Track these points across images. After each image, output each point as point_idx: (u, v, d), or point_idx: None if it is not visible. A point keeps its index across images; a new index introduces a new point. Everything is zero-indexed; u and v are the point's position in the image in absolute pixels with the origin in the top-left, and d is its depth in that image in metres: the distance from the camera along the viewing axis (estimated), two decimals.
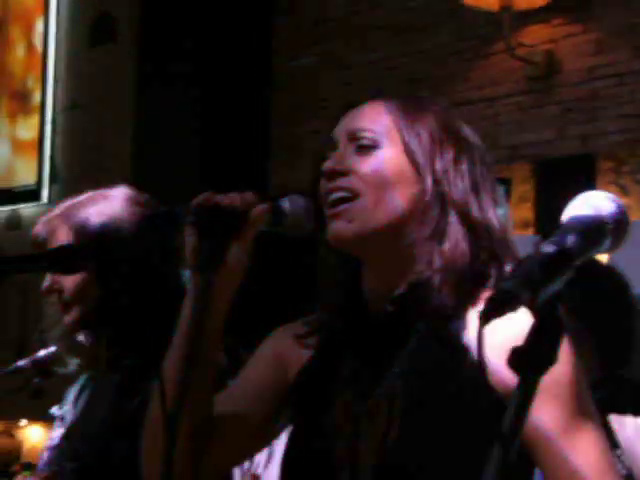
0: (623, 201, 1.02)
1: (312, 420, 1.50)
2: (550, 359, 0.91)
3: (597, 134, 3.85)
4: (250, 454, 1.69)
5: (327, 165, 1.47)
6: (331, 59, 4.63)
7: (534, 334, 0.93)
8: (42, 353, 2.24)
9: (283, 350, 1.57)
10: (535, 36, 4.01)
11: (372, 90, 1.56)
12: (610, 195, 1.03)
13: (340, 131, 1.51)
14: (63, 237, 2.11)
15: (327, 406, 1.48)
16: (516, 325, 1.12)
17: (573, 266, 0.95)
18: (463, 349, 1.41)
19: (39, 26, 5.29)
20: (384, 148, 1.47)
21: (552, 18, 3.98)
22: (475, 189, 1.48)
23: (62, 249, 2.06)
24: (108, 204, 2.17)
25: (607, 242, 1.01)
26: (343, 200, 1.46)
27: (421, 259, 1.44)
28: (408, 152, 1.47)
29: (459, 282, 1.43)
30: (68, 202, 2.17)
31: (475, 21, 4.13)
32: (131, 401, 2.05)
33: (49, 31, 5.22)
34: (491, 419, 1.35)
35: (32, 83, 5.30)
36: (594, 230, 1.00)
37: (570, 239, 0.96)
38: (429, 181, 1.45)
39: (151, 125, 4.72)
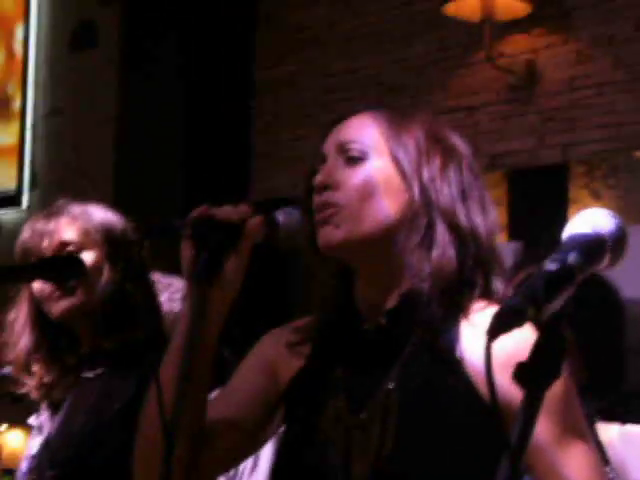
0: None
1: (304, 430, 1.51)
2: (555, 373, 0.93)
3: (577, 143, 3.89)
4: (239, 461, 1.70)
5: (317, 179, 1.49)
6: (312, 67, 4.65)
7: (538, 349, 0.95)
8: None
9: (274, 357, 1.58)
10: (516, 46, 4.05)
11: (359, 104, 1.59)
12: (609, 213, 1.05)
13: (329, 144, 1.53)
14: (70, 237, 2.14)
15: (319, 417, 1.50)
16: (514, 340, 1.13)
17: (575, 282, 0.98)
18: (455, 361, 1.43)
19: (19, 32, 5.28)
20: (372, 159, 1.49)
21: (532, 28, 4.01)
22: (462, 196, 1.50)
23: (57, 258, 2.08)
24: (110, 213, 2.21)
25: (606, 258, 1.03)
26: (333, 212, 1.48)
27: (410, 267, 1.46)
28: (395, 162, 1.49)
29: (447, 290, 1.45)
30: (69, 208, 2.19)
31: (456, 31, 4.16)
32: (111, 407, 2.07)
33: (29, 37, 5.21)
34: (484, 432, 1.38)
35: (12, 89, 5.28)
36: (594, 247, 1.02)
37: (571, 257, 0.99)
38: (416, 189, 1.48)
39: (133, 131, 4.72)
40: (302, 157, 3.75)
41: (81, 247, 2.15)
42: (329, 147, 1.52)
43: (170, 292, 2.80)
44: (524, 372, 0.94)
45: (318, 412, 1.50)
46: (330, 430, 1.47)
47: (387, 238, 1.47)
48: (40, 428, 2.19)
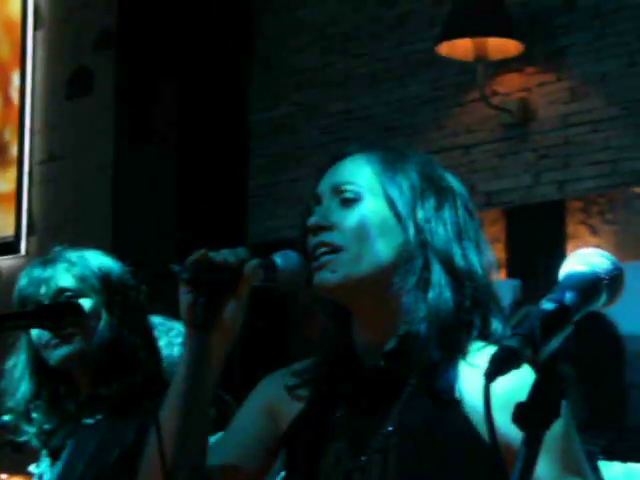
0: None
1: (304, 474, 1.51)
2: (554, 413, 0.93)
3: (571, 180, 3.90)
4: None
5: (312, 221, 1.49)
6: (308, 108, 4.67)
7: (537, 389, 0.95)
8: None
9: (273, 401, 1.57)
10: (509, 85, 4.07)
11: (353, 144, 1.59)
12: (604, 252, 1.06)
13: (324, 186, 1.54)
14: (67, 283, 2.14)
15: (320, 460, 1.49)
16: (512, 381, 1.12)
17: (572, 322, 0.98)
18: (455, 402, 1.43)
19: (15, 79, 5.30)
20: (366, 200, 1.49)
21: (526, 67, 4.03)
22: (458, 236, 1.50)
23: (55, 305, 2.08)
24: (107, 259, 2.22)
25: (603, 297, 1.04)
26: (328, 253, 1.48)
27: (406, 309, 1.46)
28: (390, 202, 1.49)
29: (445, 331, 1.44)
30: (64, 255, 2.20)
31: (450, 70, 4.18)
32: (111, 453, 2.06)
33: (25, 84, 5.23)
34: (484, 472, 1.37)
35: (9, 136, 5.30)
36: (591, 287, 1.03)
37: (568, 296, 0.99)
38: (411, 230, 1.48)
39: (129, 177, 4.73)
40: (300, 198, 3.76)
41: (79, 293, 2.15)
42: (324, 188, 1.53)
43: (170, 337, 2.80)
44: (523, 413, 0.94)
45: (319, 456, 1.49)
46: (331, 474, 1.46)
47: (383, 280, 1.48)
48: (41, 477, 2.18)
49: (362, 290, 1.48)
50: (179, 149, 4.73)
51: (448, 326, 1.45)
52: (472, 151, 4.16)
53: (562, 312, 0.97)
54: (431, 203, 1.50)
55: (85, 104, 4.92)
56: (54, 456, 2.18)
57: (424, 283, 1.46)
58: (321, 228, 1.48)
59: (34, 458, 2.24)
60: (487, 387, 0.91)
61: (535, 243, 3.91)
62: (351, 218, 1.48)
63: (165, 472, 1.30)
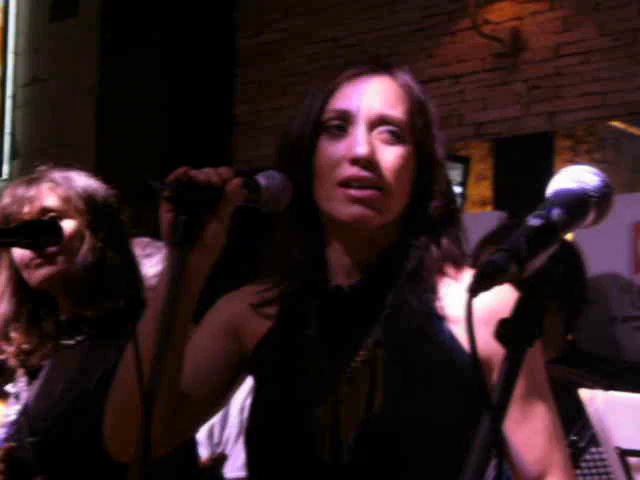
0: None
1: (284, 390, 1.50)
2: (537, 331, 0.92)
3: (562, 112, 3.88)
4: (206, 420, 1.69)
5: (361, 153, 1.46)
6: (296, 35, 4.61)
7: (521, 307, 0.93)
8: None
9: (234, 319, 1.57)
10: (501, 13, 4.02)
11: (373, 58, 1.57)
12: (594, 169, 1.04)
13: (358, 108, 1.50)
14: (51, 203, 2.12)
15: (299, 376, 1.49)
16: (494, 297, 1.14)
17: (558, 239, 0.96)
18: (438, 317, 1.45)
19: None
20: (406, 143, 1.50)
21: None
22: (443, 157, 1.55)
23: (36, 223, 2.05)
24: (92, 181, 2.19)
25: (591, 215, 1.02)
26: (370, 188, 1.47)
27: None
28: (426, 150, 1.52)
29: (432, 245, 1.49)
30: (49, 174, 2.16)
31: None
32: (93, 375, 2.05)
33: (9, 6, 5.15)
34: (468, 384, 1.40)
35: None
36: (579, 204, 1.00)
37: (555, 212, 0.97)
38: (437, 178, 1.53)
39: (114, 100, 4.68)
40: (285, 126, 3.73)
41: (62, 214, 2.12)
42: (362, 112, 1.50)
43: (151, 262, 2.78)
44: (506, 329, 0.93)
45: (294, 372, 1.49)
46: (312, 389, 1.46)
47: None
48: (17, 395, 2.17)
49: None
50: (166, 73, 4.67)
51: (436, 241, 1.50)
52: (462, 80, 4.12)
53: (548, 228, 0.95)
54: (438, 139, 1.54)
55: (70, 26, 4.85)
56: (31, 376, 2.16)
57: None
58: (369, 164, 1.47)
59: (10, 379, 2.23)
60: (469, 301, 0.89)
61: (523, 181, 3.90)
62: (396, 161, 1.48)
63: (142, 391, 1.28)
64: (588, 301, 2.81)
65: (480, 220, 3.45)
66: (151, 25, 4.69)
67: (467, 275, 1.49)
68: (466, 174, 4.25)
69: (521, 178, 3.93)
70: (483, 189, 4.16)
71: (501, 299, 1.20)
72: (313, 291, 1.53)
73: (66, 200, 2.13)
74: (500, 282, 0.93)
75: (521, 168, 3.99)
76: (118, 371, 1.49)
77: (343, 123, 1.50)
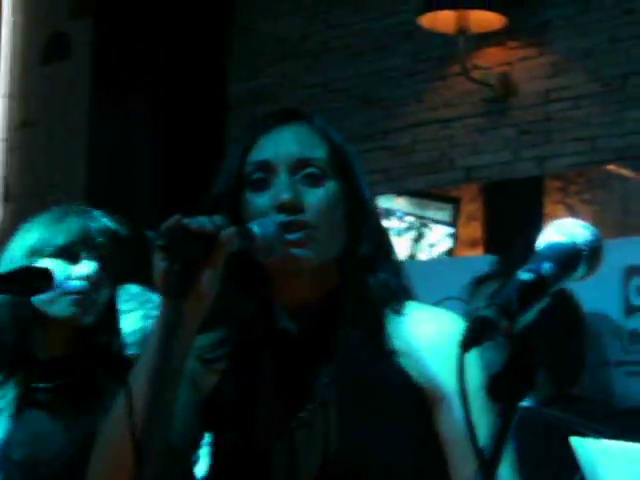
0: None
1: (240, 439, 1.51)
2: (528, 385, 0.92)
3: (552, 156, 3.90)
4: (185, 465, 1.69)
5: (286, 199, 1.50)
6: (286, 80, 4.64)
7: (511, 361, 0.94)
8: None
9: (191, 369, 1.57)
10: (491, 59, 4.05)
11: (287, 109, 1.62)
12: (584, 223, 1.04)
13: (279, 155, 1.53)
14: None
15: (254, 424, 1.50)
16: (435, 327, 1.29)
17: (549, 293, 0.97)
18: (387, 352, 1.49)
19: None
20: (329, 180, 1.53)
21: (508, 41, 4.01)
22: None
23: (25, 270, 2.04)
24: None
25: (582, 269, 1.02)
26: (303, 230, 1.50)
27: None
28: (351, 187, 1.55)
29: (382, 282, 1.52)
30: None
31: (431, 43, 4.16)
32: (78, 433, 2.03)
33: (1, 48, 5.18)
34: (422, 415, 1.44)
35: None
36: (569, 258, 1.01)
37: (546, 267, 0.97)
38: (367, 208, 1.57)
39: (105, 142, 4.70)
40: None
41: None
42: (280, 158, 1.53)
43: (146, 309, 2.77)
44: (498, 385, 0.93)
45: (249, 420, 1.51)
46: (269, 435, 1.47)
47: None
48: None
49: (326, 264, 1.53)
50: (156, 116, 4.69)
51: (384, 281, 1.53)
52: (452, 125, 4.14)
53: (539, 283, 0.96)
54: (362, 178, 1.58)
55: (61, 69, 4.87)
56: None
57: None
58: (295, 208, 1.49)
59: None
60: (461, 357, 0.90)
61: (513, 222, 3.91)
62: (322, 200, 1.51)
63: (135, 441, 1.28)
64: (584, 356, 2.77)
65: (470, 263, 3.47)
66: (144, 68, 4.71)
67: (409, 307, 1.53)
68: (456, 215, 4.27)
69: (511, 219, 3.95)
70: (473, 230, 4.17)
71: (443, 329, 1.36)
72: (261, 337, 1.55)
73: None
74: (491, 337, 0.93)
75: (511, 210, 4.00)
76: (106, 423, 1.48)
77: (265, 174, 1.54)
